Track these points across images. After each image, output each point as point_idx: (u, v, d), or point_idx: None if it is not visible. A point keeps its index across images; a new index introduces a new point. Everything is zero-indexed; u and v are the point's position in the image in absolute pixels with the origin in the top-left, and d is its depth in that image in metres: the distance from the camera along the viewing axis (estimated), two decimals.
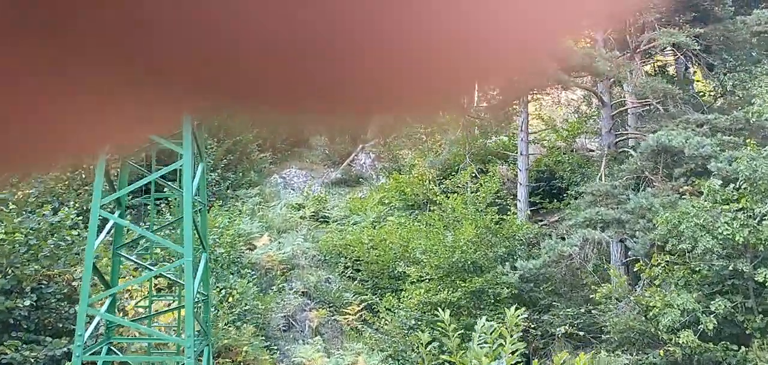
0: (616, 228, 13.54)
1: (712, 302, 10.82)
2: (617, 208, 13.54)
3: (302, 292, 17.51)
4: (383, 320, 14.64)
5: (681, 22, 14.98)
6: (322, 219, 21.69)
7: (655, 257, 11.61)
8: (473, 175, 18.17)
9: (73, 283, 11.02)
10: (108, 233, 9.05)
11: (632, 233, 13.12)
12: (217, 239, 16.55)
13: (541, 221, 19.29)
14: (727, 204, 10.92)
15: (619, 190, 13.79)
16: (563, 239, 17.05)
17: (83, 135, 0.28)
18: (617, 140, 16.18)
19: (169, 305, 11.89)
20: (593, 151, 24.27)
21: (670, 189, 13.36)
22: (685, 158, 13.12)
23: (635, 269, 12.51)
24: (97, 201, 8.31)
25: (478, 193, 15.98)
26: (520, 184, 18.10)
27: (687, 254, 11.24)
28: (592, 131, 23.41)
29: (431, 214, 16.35)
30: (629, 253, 13.57)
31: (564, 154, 22.91)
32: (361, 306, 16.51)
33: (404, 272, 15.56)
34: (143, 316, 10.42)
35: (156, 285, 12.15)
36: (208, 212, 20.26)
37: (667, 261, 11.46)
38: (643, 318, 12.01)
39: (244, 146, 24.92)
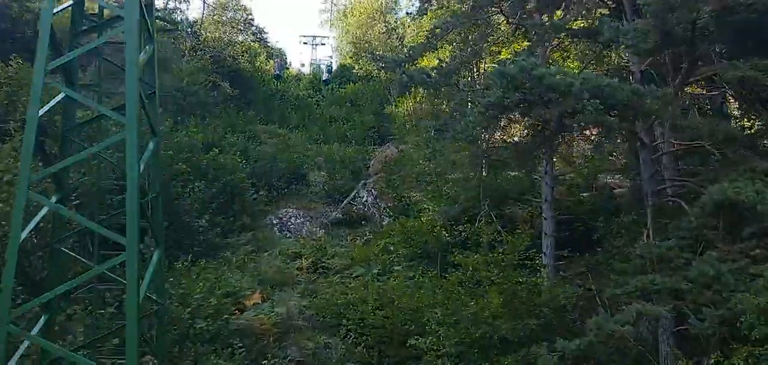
0: (674, 300, 11.02)
1: None
2: (674, 275, 11.04)
3: (298, 361, 14.91)
4: None
5: (735, 53, 12.59)
6: (321, 270, 19.10)
7: (737, 353, 9.08)
8: (496, 232, 15.60)
9: None
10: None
11: (696, 308, 10.61)
12: (201, 303, 13.94)
13: (566, 269, 16.75)
14: None
15: (674, 253, 11.29)
16: (600, 300, 14.60)
17: None
18: (660, 187, 13.68)
19: None
20: (615, 188, 21.83)
21: (738, 253, 10.87)
22: (757, 216, 10.65)
23: (711, 363, 9.98)
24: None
25: (504, 251, 13.42)
26: (546, 234, 15.59)
27: None
28: (616, 168, 20.99)
29: (449, 279, 13.74)
30: (689, 327, 11.02)
31: (584, 193, 20.46)
32: None
33: (416, 346, 12.98)
34: None
35: None
36: (194, 266, 17.70)
37: (754, 354, 8.98)
38: None
39: (236, 185, 22.39)
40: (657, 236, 12.29)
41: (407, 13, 18.29)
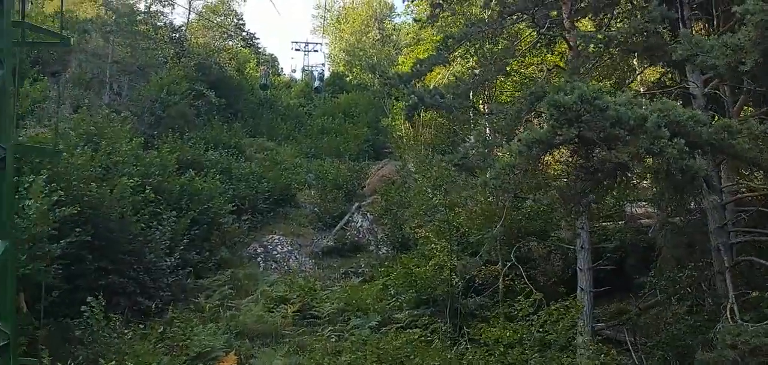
0: None
1: None
2: None
3: None
4: None
5: None
6: (310, 318, 15.88)
7: None
8: (520, 282, 12.51)
9: None
10: None
11: None
12: None
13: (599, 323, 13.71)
14: None
15: None
16: None
17: None
18: (734, 241, 10.63)
19: None
20: (642, 220, 18.85)
21: None
22: None
23: None
24: None
25: (541, 322, 10.29)
26: (582, 289, 12.51)
27: None
28: (646, 198, 18.00)
29: (475, 356, 10.56)
30: None
31: (606, 223, 17.48)
32: None
33: None
34: None
35: None
36: (158, 317, 14.51)
37: None
38: None
39: (214, 214, 19.13)
40: (742, 312, 9.28)
41: (415, 20, 14.96)
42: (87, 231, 13.49)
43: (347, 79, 41.94)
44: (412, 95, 11.19)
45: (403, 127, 27.85)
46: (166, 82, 28.72)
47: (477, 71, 12.73)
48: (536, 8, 10.78)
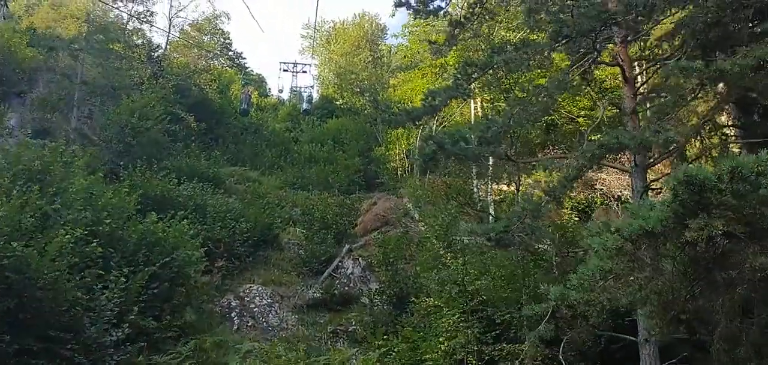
0: None
1: None
2: None
3: None
4: None
5: None
6: None
7: None
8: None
9: None
10: None
11: None
12: None
13: None
14: None
15: None
16: None
17: None
18: None
19: None
20: None
21: None
22: None
23: None
24: None
25: None
26: None
27: None
28: None
29: None
30: None
31: None
32: None
33: None
34: None
35: None
36: None
37: None
38: None
39: (180, 267, 15.56)
40: None
41: (430, 42, 11.66)
42: (6, 304, 10.19)
43: (337, 102, 38.66)
44: (430, 142, 7.95)
45: (397, 158, 24.59)
46: (137, 106, 25.19)
47: (512, 110, 9.41)
48: (602, 29, 7.60)
